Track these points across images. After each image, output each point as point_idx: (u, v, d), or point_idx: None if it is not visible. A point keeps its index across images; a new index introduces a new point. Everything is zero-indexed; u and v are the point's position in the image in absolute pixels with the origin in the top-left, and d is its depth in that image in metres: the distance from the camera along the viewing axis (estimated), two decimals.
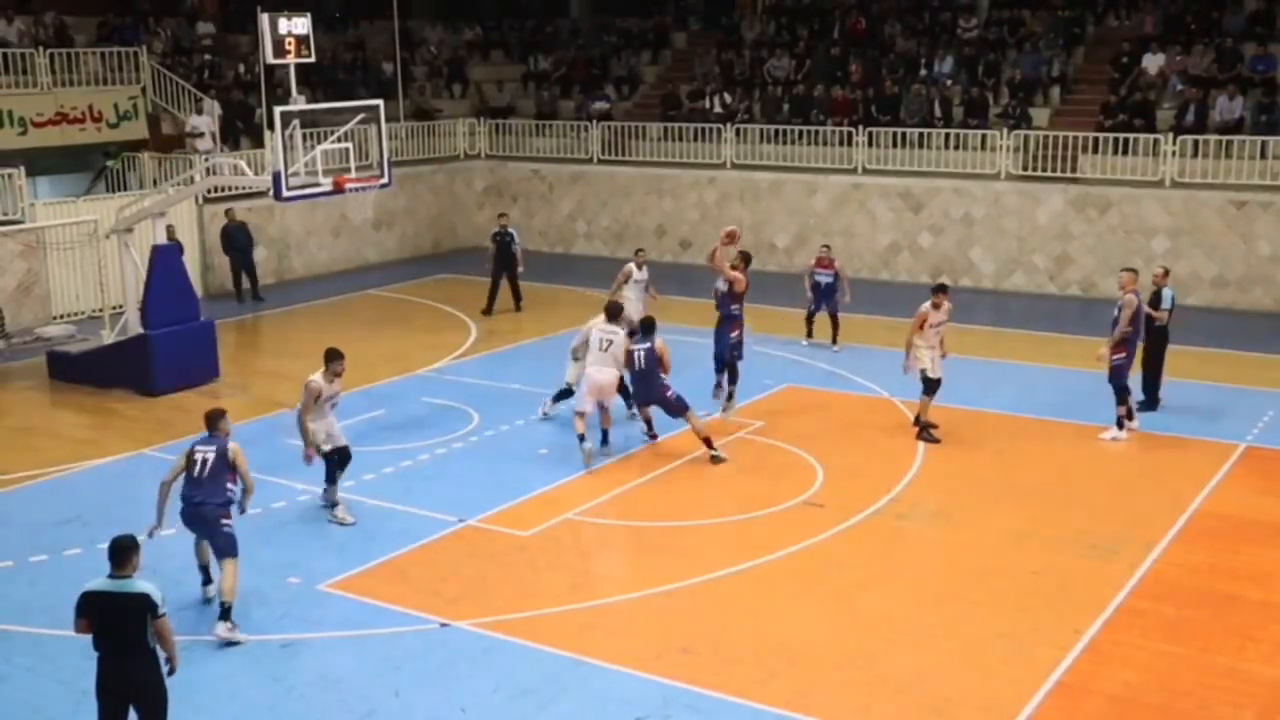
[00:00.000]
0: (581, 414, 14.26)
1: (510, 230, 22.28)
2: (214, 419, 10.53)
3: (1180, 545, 12.03)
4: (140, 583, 7.73)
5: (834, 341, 19.13)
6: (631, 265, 17.93)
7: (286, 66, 15.80)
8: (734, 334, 15.53)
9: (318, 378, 12.48)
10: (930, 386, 14.89)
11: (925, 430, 14.90)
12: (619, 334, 14.41)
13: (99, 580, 7.79)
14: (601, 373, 14.28)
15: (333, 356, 12.58)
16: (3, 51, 23.21)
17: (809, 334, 19.62)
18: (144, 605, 7.63)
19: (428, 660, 9.88)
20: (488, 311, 21.84)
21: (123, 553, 7.78)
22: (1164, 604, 10.82)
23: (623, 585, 11.17)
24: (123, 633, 7.69)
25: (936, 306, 14.82)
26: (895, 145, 24.96)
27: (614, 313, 14.62)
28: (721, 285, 15.49)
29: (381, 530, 12.39)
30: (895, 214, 24.72)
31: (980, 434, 15.23)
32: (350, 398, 15.40)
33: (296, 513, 12.95)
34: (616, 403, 15.03)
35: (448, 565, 11.71)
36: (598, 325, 14.57)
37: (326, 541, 12.19)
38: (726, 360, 15.55)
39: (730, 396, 15.67)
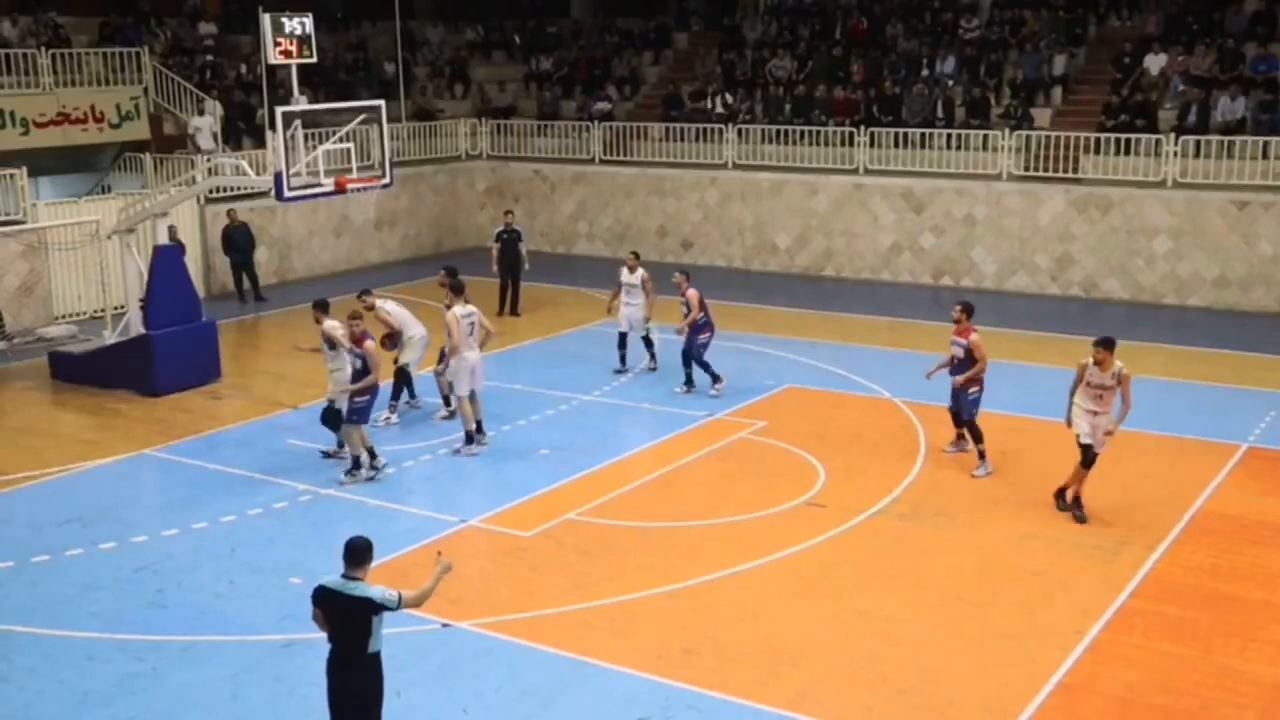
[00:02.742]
0: (463, 397, 14.69)
1: (516, 228, 22.10)
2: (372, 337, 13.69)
3: (1182, 546, 12.03)
4: (369, 586, 7.55)
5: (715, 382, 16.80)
6: (624, 269, 17.89)
7: (288, 67, 15.79)
8: (973, 391, 14.18)
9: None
10: (1087, 456, 12.56)
11: (1074, 505, 12.72)
12: (477, 311, 14.88)
13: (332, 577, 7.65)
14: (474, 352, 14.71)
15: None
16: (5, 52, 23.22)
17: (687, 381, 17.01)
18: (369, 609, 7.46)
19: (429, 660, 9.88)
20: (502, 312, 21.62)
21: (357, 554, 7.62)
22: (1166, 605, 10.81)
23: (624, 586, 11.16)
24: (346, 634, 7.59)
25: (1098, 364, 12.32)
26: (897, 145, 24.96)
27: (458, 289, 14.98)
28: (959, 351, 14.21)
29: (383, 531, 12.34)
30: (897, 214, 24.71)
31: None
32: None
33: (298, 513, 12.95)
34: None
35: None
36: (458, 309, 14.71)
37: (328, 542, 12.14)
38: (967, 420, 14.29)
39: (981, 455, 14.12)
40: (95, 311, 20.30)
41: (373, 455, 13.75)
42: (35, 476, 14.12)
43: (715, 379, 16.74)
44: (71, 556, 11.85)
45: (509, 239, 21.76)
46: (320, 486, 13.52)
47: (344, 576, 7.61)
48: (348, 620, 7.56)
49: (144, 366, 17.12)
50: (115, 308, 19.10)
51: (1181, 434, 15.21)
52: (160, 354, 17.11)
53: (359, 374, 13.55)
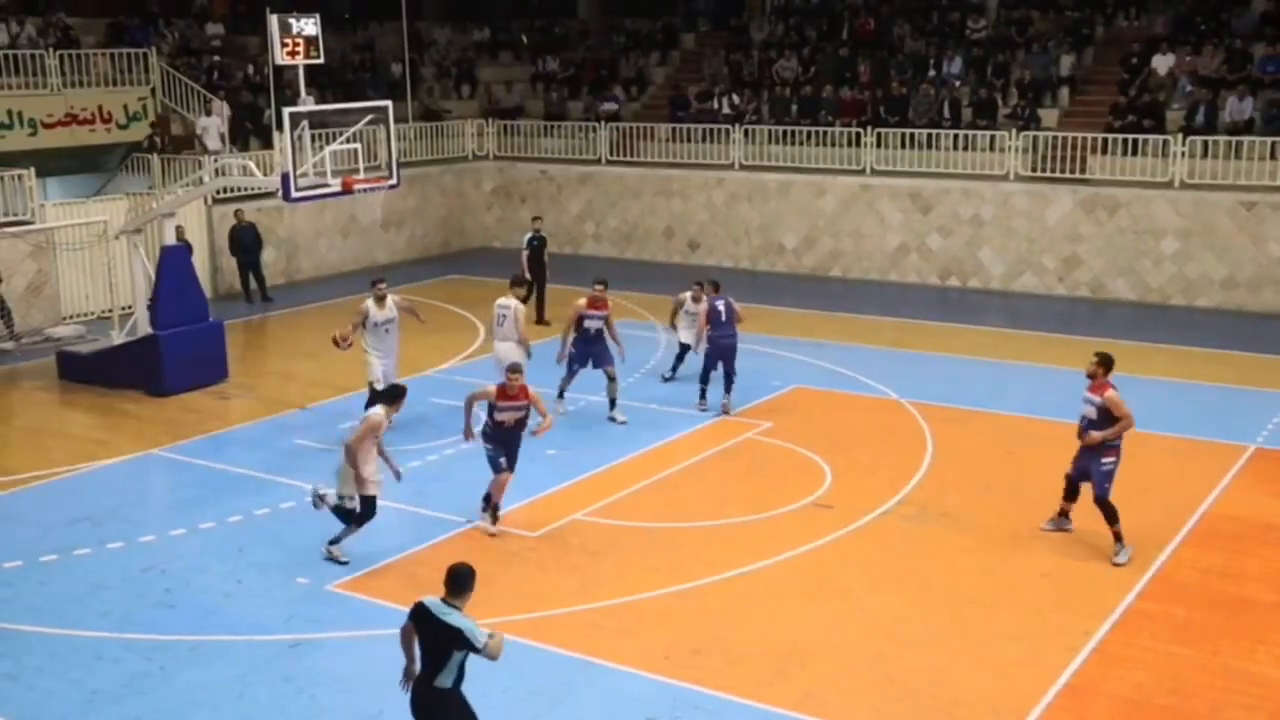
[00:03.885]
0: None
1: (544, 235, 22.02)
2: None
3: (1190, 547, 12.01)
4: (463, 618, 7.39)
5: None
6: (687, 296, 17.26)
7: (295, 67, 15.82)
8: (1108, 460, 11.81)
9: (379, 410, 11.66)
10: None
11: None
12: (513, 304, 15.25)
13: (433, 598, 7.53)
14: (504, 344, 15.21)
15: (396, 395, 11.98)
16: (13, 53, 23.27)
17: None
18: (455, 640, 7.34)
19: None
20: (540, 320, 21.06)
21: (458, 581, 7.49)
22: (1174, 606, 10.79)
23: (631, 586, 11.16)
24: (427, 657, 7.53)
25: None
26: (904, 146, 24.94)
27: (514, 282, 15.62)
28: (1091, 411, 11.86)
29: (390, 531, 12.39)
30: (904, 215, 24.69)
31: (990, 435, 15.21)
32: (358, 397, 15.44)
33: (305, 513, 12.93)
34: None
35: None
36: (501, 299, 15.39)
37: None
38: (1098, 496, 11.86)
39: (1118, 538, 11.79)
40: (103, 312, 20.32)
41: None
42: (43, 476, 14.14)
43: (702, 395, 16.31)
44: (80, 556, 11.86)
45: (538, 245, 21.62)
46: (326, 487, 13.50)
47: (443, 600, 7.51)
48: (431, 645, 7.49)
49: (151, 366, 17.15)
50: (123, 308, 19.12)
51: (1189, 435, 15.18)
52: (168, 354, 17.13)
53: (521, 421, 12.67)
